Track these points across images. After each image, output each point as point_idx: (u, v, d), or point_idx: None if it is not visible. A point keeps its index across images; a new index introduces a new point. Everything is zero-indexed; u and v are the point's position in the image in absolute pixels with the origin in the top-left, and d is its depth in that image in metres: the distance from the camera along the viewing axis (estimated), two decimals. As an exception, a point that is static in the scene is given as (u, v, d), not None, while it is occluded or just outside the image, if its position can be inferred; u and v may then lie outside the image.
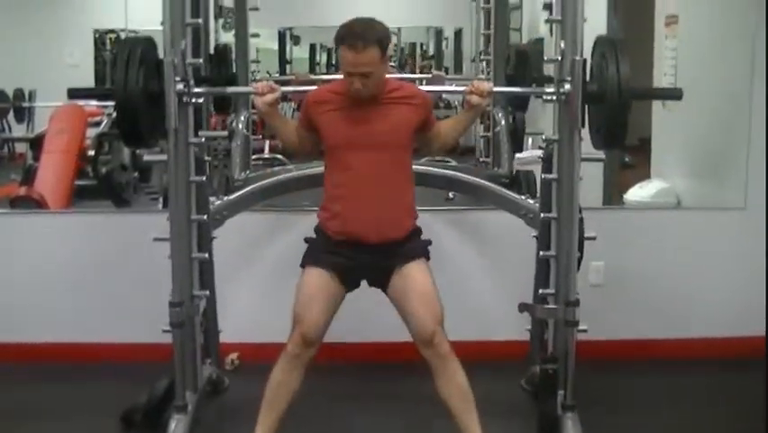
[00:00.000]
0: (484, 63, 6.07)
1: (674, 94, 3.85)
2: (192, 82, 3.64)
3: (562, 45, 3.61)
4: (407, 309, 3.52)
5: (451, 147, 3.85)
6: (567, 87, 3.57)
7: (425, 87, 3.82)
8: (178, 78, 3.55)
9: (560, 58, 3.63)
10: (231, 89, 3.93)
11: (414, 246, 3.60)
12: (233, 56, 5.73)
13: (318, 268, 3.56)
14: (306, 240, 3.66)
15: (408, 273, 3.54)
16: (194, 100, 3.69)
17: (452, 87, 4.06)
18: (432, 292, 3.54)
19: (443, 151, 3.81)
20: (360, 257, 3.53)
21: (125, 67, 3.50)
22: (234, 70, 5.73)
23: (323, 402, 4.28)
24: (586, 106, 3.61)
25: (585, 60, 3.58)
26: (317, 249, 3.61)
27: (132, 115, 3.53)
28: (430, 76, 6.18)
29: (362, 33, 3.37)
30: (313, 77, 6.16)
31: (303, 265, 3.60)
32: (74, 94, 3.92)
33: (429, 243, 3.66)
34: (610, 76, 3.52)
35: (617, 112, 3.54)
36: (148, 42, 3.65)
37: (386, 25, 3.46)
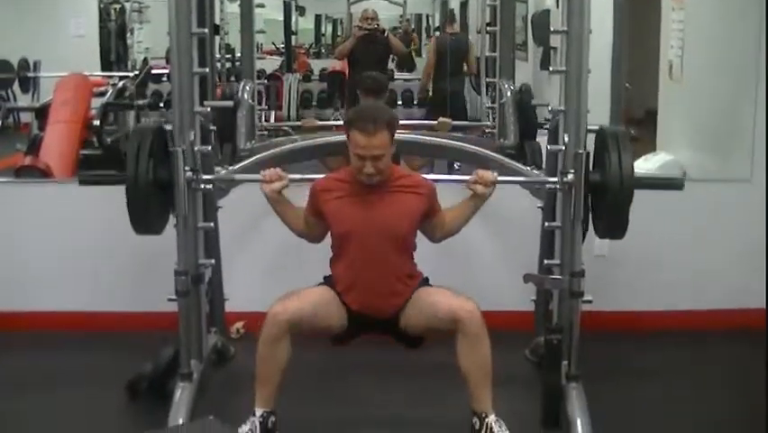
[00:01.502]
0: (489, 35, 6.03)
1: (676, 184, 3.92)
2: (200, 169, 3.72)
3: (566, 138, 3.67)
4: (429, 306, 3.57)
5: (455, 233, 3.87)
6: (570, 177, 3.62)
7: (429, 176, 3.87)
8: (187, 168, 3.61)
9: (563, 149, 3.70)
10: (239, 176, 4.03)
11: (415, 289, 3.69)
12: (239, 27, 5.72)
13: (330, 289, 3.66)
14: (325, 278, 3.74)
15: (414, 297, 3.65)
16: (203, 187, 3.78)
17: (457, 177, 4.15)
18: (442, 288, 3.64)
19: (446, 238, 3.85)
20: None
21: (136, 157, 3.59)
22: (239, 43, 5.76)
23: (328, 373, 4.31)
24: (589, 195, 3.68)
25: (588, 153, 3.64)
26: (332, 288, 3.69)
27: (142, 203, 3.62)
28: (435, 123, 6.19)
29: (373, 116, 3.49)
30: (318, 123, 6.22)
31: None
32: (85, 180, 4.19)
33: (427, 280, 3.76)
34: (613, 169, 3.56)
35: (620, 203, 3.60)
36: (158, 132, 3.72)
37: (392, 111, 3.64)
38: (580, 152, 3.60)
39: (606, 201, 3.62)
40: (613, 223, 3.70)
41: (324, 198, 3.65)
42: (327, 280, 3.72)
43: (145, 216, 3.67)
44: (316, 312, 3.55)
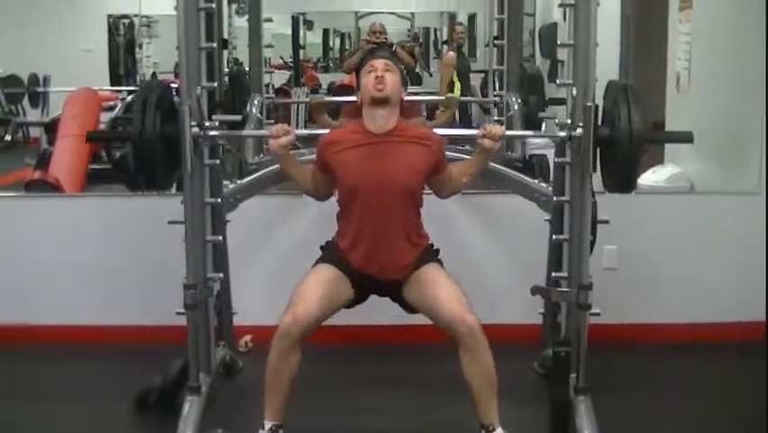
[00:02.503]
0: (496, 49, 6.05)
1: (685, 137, 3.88)
2: (207, 123, 3.69)
3: (574, 92, 3.64)
4: (429, 298, 3.55)
5: (462, 189, 3.91)
6: (579, 131, 3.60)
7: (437, 130, 3.86)
8: (193, 123, 3.60)
9: (571, 103, 3.68)
10: (246, 132, 4.01)
11: (423, 258, 3.67)
12: (247, 41, 5.75)
13: (330, 265, 3.64)
14: (322, 247, 3.73)
15: (421, 274, 3.62)
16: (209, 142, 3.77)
17: (464, 131, 4.09)
18: (450, 282, 3.59)
19: (454, 194, 3.88)
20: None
21: (142, 112, 3.56)
22: (248, 57, 5.78)
23: (337, 384, 4.31)
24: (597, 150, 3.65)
25: (597, 106, 3.61)
26: (331, 256, 3.68)
27: (148, 158, 3.60)
28: (443, 98, 6.18)
29: (386, 51, 3.69)
30: (327, 99, 6.20)
31: (314, 265, 3.68)
32: (92, 137, 4.01)
33: (438, 252, 3.75)
34: (622, 122, 3.55)
35: (628, 157, 3.57)
36: (164, 89, 3.72)
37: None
38: (589, 104, 3.55)
39: (615, 155, 3.59)
40: (623, 177, 3.66)
41: (331, 150, 3.65)
42: (326, 248, 3.72)
43: (152, 171, 3.64)
44: (325, 307, 3.53)
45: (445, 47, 9.39)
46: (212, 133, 3.72)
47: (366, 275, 3.63)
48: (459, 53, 7.85)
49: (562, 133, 3.70)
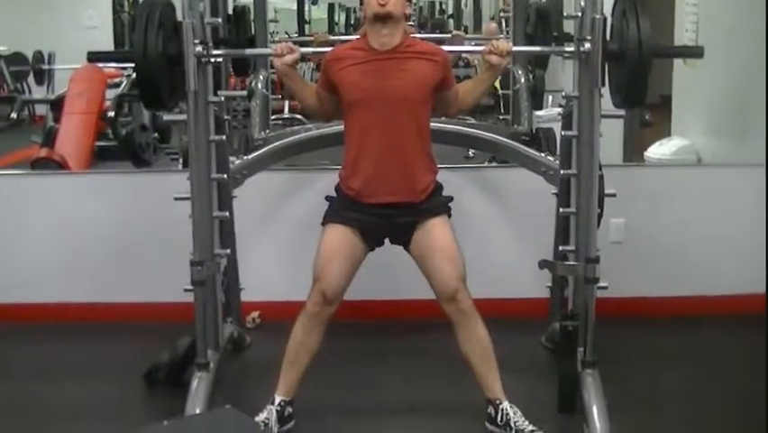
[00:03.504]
0: (503, 21, 6.03)
1: (696, 52, 3.81)
2: (211, 44, 3.64)
3: (582, 3, 3.58)
4: (430, 266, 3.54)
5: (469, 108, 3.83)
6: (587, 45, 3.54)
7: (444, 47, 3.79)
8: (197, 41, 3.55)
9: (580, 15, 3.60)
10: (249, 51, 3.93)
11: (436, 203, 3.60)
12: (252, 16, 5.72)
13: (340, 225, 3.57)
14: (327, 198, 3.67)
15: (431, 230, 3.55)
16: (213, 61, 3.70)
17: (472, 47, 4.02)
18: (454, 249, 3.55)
19: (461, 112, 3.79)
20: (381, 213, 3.53)
21: (144, 30, 3.48)
22: (253, 31, 5.74)
23: (346, 359, 4.30)
24: (606, 65, 3.58)
25: (605, 19, 3.54)
26: (339, 207, 3.62)
27: (151, 77, 3.53)
28: (449, 36, 6.16)
29: None
30: (332, 37, 6.15)
31: (324, 223, 3.61)
32: (94, 57, 3.93)
33: (450, 199, 3.67)
34: (631, 34, 3.46)
35: (638, 70, 3.48)
36: (167, 5, 3.63)
37: None
38: (598, 17, 3.49)
39: (624, 69, 3.52)
40: (632, 91, 3.58)
41: (336, 67, 3.57)
42: (331, 199, 3.66)
43: (155, 91, 3.58)
44: (347, 273, 3.55)
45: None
46: (215, 52, 3.69)
47: (373, 207, 3.54)
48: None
49: (571, 48, 3.67)
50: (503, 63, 3.61)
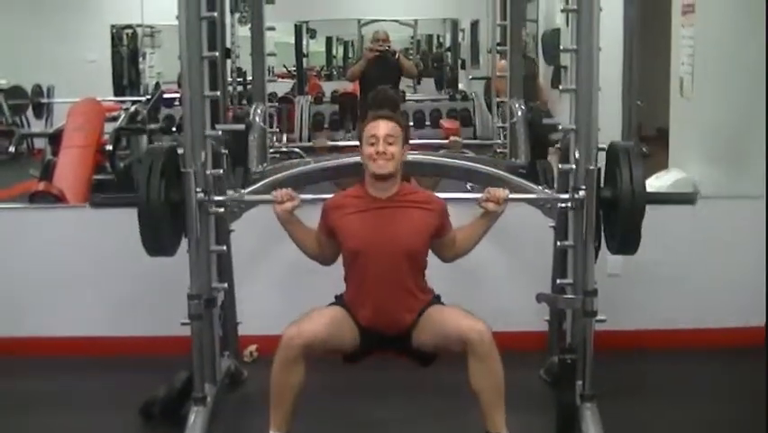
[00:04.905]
0: (498, 55, 6.06)
1: (688, 198, 3.94)
2: (211, 189, 3.75)
3: (577, 154, 3.68)
4: (439, 326, 3.56)
5: (466, 254, 3.86)
6: (581, 193, 3.65)
7: (440, 195, 3.85)
8: (198, 189, 3.64)
9: (574, 167, 3.72)
10: (249, 197, 4.01)
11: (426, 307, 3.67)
12: (250, 50, 5.74)
13: (342, 309, 3.65)
14: (336, 297, 3.74)
15: (425, 316, 3.63)
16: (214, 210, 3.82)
17: (468, 195, 4.11)
18: (453, 307, 3.62)
19: (457, 258, 3.84)
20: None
21: (147, 178, 3.58)
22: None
23: (341, 394, 4.29)
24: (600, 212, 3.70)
25: (599, 169, 3.66)
26: (343, 305, 3.68)
27: (154, 223, 3.61)
28: (447, 141, 6.23)
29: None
30: (330, 143, 6.29)
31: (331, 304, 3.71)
32: (98, 203, 4.20)
33: (439, 297, 3.74)
34: (624, 182, 3.58)
35: (632, 218, 3.60)
36: (171, 152, 3.73)
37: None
38: (591, 168, 3.60)
39: (618, 217, 3.62)
40: (626, 239, 3.68)
41: (335, 215, 3.65)
42: (339, 299, 3.71)
43: (157, 238, 3.66)
44: (330, 333, 3.52)
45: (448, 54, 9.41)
46: (217, 198, 3.78)
47: (374, 330, 3.63)
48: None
49: (566, 196, 3.76)
50: (499, 210, 3.69)
